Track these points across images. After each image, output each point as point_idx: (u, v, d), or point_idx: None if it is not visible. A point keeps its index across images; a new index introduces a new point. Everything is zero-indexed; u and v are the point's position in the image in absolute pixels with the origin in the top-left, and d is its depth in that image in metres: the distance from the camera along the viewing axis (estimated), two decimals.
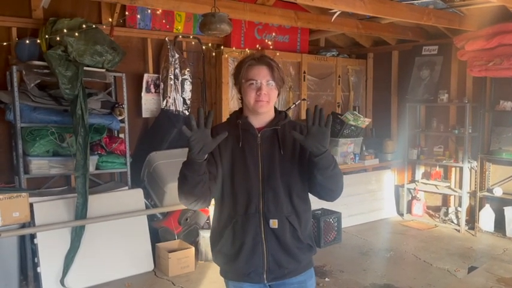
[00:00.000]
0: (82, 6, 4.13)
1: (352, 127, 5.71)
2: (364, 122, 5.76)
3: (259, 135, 1.73)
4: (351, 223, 5.34)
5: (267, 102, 1.70)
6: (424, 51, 5.64)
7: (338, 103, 5.98)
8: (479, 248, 4.65)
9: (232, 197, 1.71)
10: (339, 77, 5.96)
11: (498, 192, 4.98)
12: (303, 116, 5.50)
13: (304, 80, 5.53)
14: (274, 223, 1.69)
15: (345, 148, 5.51)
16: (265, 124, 1.75)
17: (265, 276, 1.72)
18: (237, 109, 1.86)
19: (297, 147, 1.73)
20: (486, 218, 5.06)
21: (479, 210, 5.10)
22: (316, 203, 5.11)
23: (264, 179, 1.69)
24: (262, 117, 1.75)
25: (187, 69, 4.73)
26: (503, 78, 4.86)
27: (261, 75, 1.68)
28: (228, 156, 1.70)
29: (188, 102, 4.76)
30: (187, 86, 4.75)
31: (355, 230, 5.25)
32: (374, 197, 5.78)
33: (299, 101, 5.41)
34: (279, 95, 1.77)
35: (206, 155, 1.55)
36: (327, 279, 3.85)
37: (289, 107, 5.22)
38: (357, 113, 5.73)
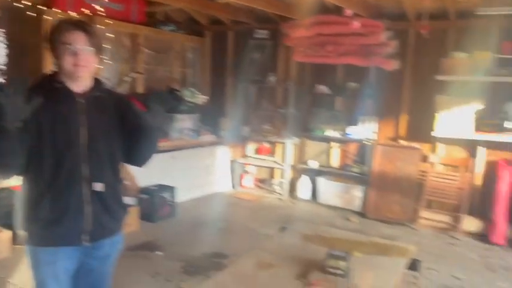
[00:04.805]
0: None
1: (189, 103, 5.77)
2: (201, 99, 5.89)
3: (81, 101, 1.72)
4: (186, 197, 5.45)
5: (84, 67, 1.67)
6: (257, 34, 6.01)
7: (175, 79, 5.97)
8: (297, 213, 5.29)
9: (53, 161, 1.66)
10: (177, 52, 5.93)
11: (314, 164, 5.69)
12: (139, 89, 5.34)
13: (140, 53, 5.35)
14: (98, 186, 1.72)
15: (182, 124, 5.56)
16: (84, 90, 1.74)
17: (83, 237, 1.74)
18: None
19: (117, 115, 1.78)
20: (304, 187, 5.76)
21: (298, 181, 5.77)
22: (149, 179, 4.95)
23: (88, 144, 1.70)
24: (80, 83, 1.72)
25: (2, 30, 4.12)
26: (320, 64, 5.51)
27: (78, 40, 1.65)
28: (47, 122, 1.64)
29: (3, 67, 4.17)
30: (1, 50, 4.15)
31: (190, 204, 5.38)
32: (210, 171, 6.00)
33: (134, 74, 5.22)
34: (98, 63, 1.74)
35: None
36: (158, 252, 3.88)
37: (124, 79, 5.00)
38: (194, 90, 5.81)
